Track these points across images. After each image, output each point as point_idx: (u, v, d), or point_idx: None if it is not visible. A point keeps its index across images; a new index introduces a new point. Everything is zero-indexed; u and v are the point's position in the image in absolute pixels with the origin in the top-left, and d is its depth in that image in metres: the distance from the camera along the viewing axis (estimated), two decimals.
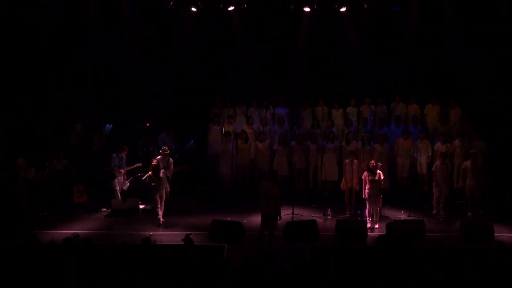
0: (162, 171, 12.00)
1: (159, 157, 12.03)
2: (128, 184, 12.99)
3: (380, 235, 10.04)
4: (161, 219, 11.84)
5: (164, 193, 11.98)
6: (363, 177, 11.78)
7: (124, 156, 13.09)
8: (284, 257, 9.56)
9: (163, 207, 11.97)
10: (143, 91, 15.98)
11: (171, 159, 12.11)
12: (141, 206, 12.91)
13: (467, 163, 12.39)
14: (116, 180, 12.94)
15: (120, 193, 12.96)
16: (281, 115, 15.28)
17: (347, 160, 12.62)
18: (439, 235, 10.86)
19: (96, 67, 15.75)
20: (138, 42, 16.02)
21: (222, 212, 12.39)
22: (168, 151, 12.09)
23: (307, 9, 15.63)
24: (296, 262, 9.28)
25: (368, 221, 11.61)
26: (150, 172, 11.89)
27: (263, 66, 16.26)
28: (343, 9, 15.50)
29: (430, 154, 13.72)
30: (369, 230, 11.32)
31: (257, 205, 10.38)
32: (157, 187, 11.85)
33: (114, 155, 13.03)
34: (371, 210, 11.71)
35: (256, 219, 10.77)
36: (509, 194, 13.12)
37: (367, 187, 11.65)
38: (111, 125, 15.33)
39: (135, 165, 13.09)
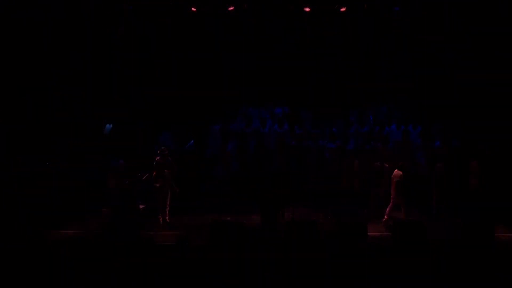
0: (166, 171, 12.03)
1: (158, 158, 12.05)
2: None
3: None
4: (161, 219, 11.86)
5: (169, 194, 11.99)
6: (398, 179, 11.77)
7: None
8: None
9: (167, 207, 11.97)
10: (143, 91, 15.97)
11: (170, 159, 12.13)
12: (141, 206, 12.92)
13: (474, 163, 12.38)
14: None
15: None
16: (281, 115, 15.32)
17: (348, 160, 12.64)
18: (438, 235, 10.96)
19: (96, 67, 15.74)
20: (138, 42, 16.02)
21: (222, 212, 12.41)
22: (167, 151, 12.10)
23: (307, 9, 15.63)
24: None
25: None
26: (154, 171, 11.95)
27: (263, 66, 16.25)
28: (343, 9, 15.50)
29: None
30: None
31: (257, 205, 10.37)
32: (161, 188, 11.86)
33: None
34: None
35: (256, 219, 10.77)
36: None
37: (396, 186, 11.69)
38: (111, 125, 15.34)
39: None
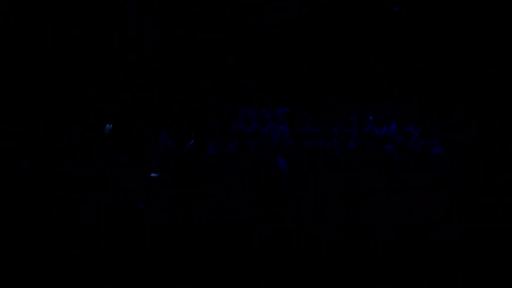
0: None
1: (157, 157, 12.11)
2: None
3: None
4: None
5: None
6: None
7: None
8: None
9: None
10: (143, 91, 16.01)
11: (168, 158, 12.18)
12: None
13: None
14: None
15: None
16: (281, 115, 15.32)
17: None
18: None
19: (96, 67, 15.77)
20: (138, 42, 16.06)
21: (221, 211, 12.42)
22: (165, 151, 12.16)
23: (307, 9, 15.63)
24: None
25: None
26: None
27: (263, 65, 16.26)
28: (343, 9, 15.49)
29: None
30: None
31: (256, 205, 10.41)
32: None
33: None
34: None
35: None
36: None
37: None
38: (111, 125, 15.34)
39: None
